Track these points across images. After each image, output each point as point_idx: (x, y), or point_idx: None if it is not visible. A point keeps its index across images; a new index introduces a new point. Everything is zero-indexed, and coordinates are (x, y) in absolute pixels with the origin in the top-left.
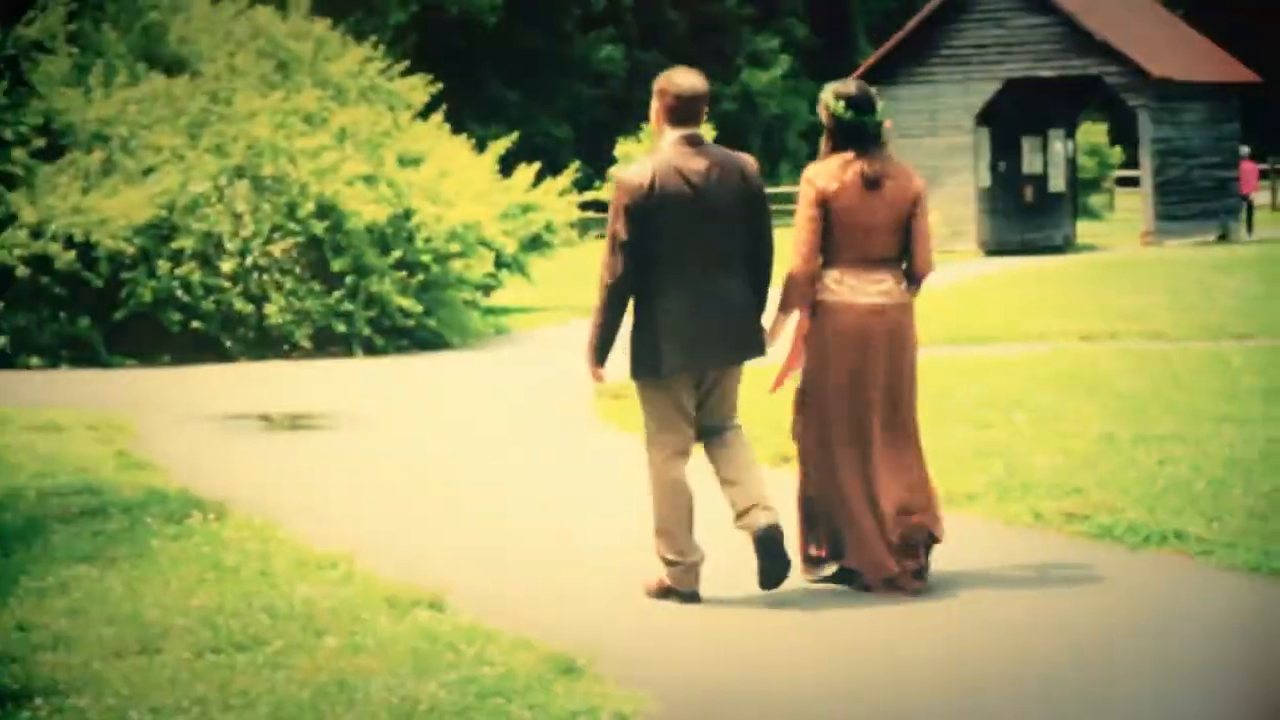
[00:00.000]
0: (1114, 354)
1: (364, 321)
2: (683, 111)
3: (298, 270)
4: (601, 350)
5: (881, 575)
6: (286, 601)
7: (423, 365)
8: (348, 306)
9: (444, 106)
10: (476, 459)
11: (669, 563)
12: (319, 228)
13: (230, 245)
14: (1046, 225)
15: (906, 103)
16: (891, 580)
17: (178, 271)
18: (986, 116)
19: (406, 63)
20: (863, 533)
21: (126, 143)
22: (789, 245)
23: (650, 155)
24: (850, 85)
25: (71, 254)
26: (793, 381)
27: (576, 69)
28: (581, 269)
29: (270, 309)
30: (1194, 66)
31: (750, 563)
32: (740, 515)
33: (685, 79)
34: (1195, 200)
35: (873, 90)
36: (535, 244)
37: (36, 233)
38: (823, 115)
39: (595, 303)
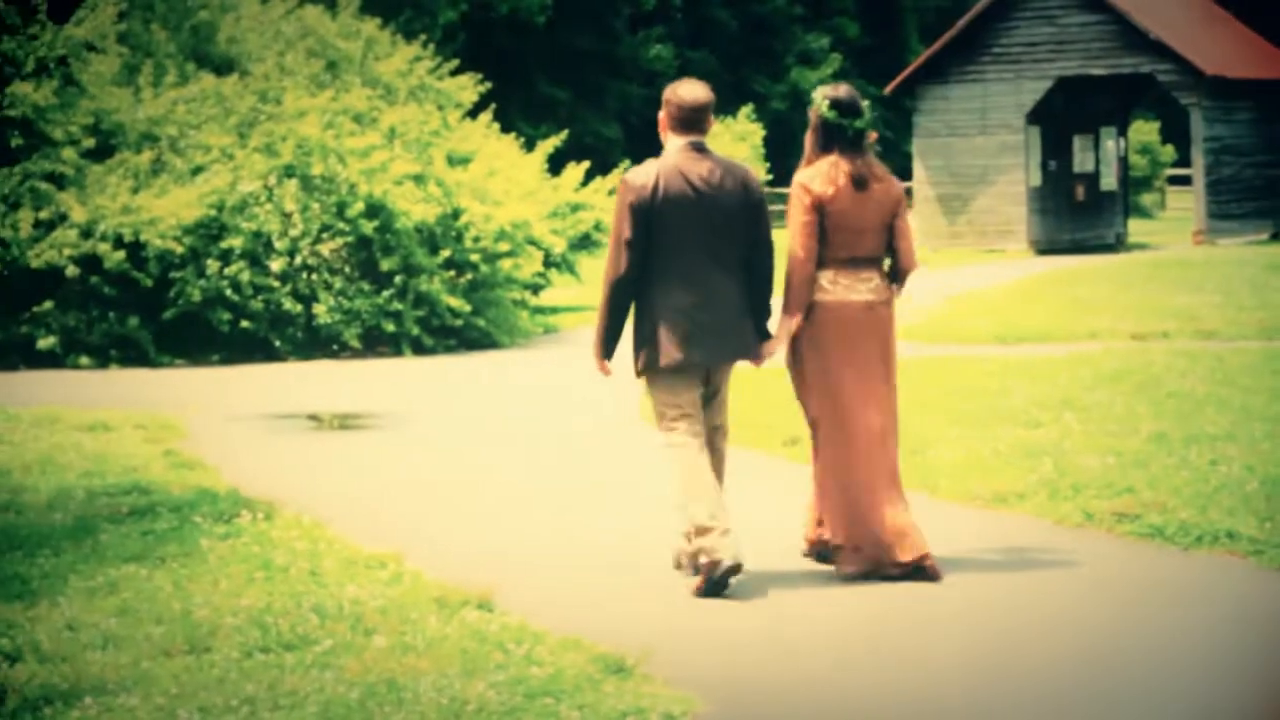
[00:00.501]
0: (1166, 353)
1: (413, 321)
2: (687, 120)
3: (347, 270)
4: (608, 345)
5: (888, 566)
6: (335, 601)
7: (471, 365)
8: (397, 306)
9: (493, 106)
10: (525, 458)
11: (702, 530)
12: (368, 227)
13: (279, 245)
14: (1098, 224)
15: (957, 101)
16: (919, 570)
17: (227, 271)
18: (1038, 115)
19: (456, 62)
20: (875, 523)
21: (176, 142)
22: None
23: (656, 160)
24: (840, 89)
25: (121, 254)
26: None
27: (626, 68)
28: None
29: (319, 309)
30: (1247, 64)
31: (804, 565)
32: (700, 535)
33: (690, 90)
34: (1248, 199)
35: (862, 98)
36: (584, 243)
37: (86, 232)
38: (811, 116)
39: (600, 299)
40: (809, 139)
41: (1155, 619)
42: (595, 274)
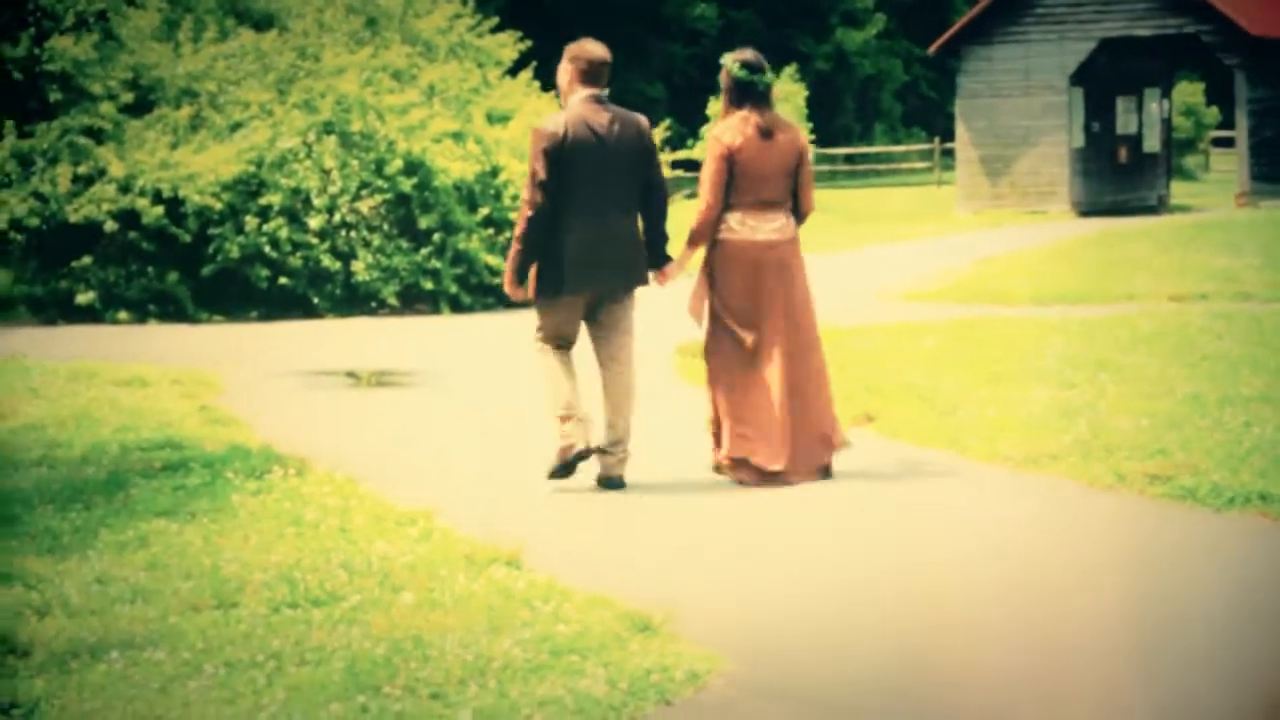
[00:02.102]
0: (1203, 315)
1: (451, 279)
2: (591, 75)
3: (385, 227)
4: (520, 273)
5: (774, 465)
6: (364, 558)
7: (509, 323)
8: (435, 264)
9: (534, 64)
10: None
11: (561, 419)
12: (407, 185)
13: (318, 202)
14: (1140, 186)
15: (1000, 62)
16: (781, 473)
17: (265, 228)
18: (1081, 76)
19: (496, 20)
20: (764, 429)
21: (215, 98)
22: (872, 201)
23: (563, 110)
24: (747, 52)
25: (160, 209)
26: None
27: (670, 28)
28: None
29: (357, 266)
30: None
31: (824, 523)
32: (607, 444)
33: (594, 48)
34: None
35: (763, 58)
36: None
37: (125, 188)
38: (723, 80)
39: (517, 231)
40: (723, 99)
41: (1187, 581)
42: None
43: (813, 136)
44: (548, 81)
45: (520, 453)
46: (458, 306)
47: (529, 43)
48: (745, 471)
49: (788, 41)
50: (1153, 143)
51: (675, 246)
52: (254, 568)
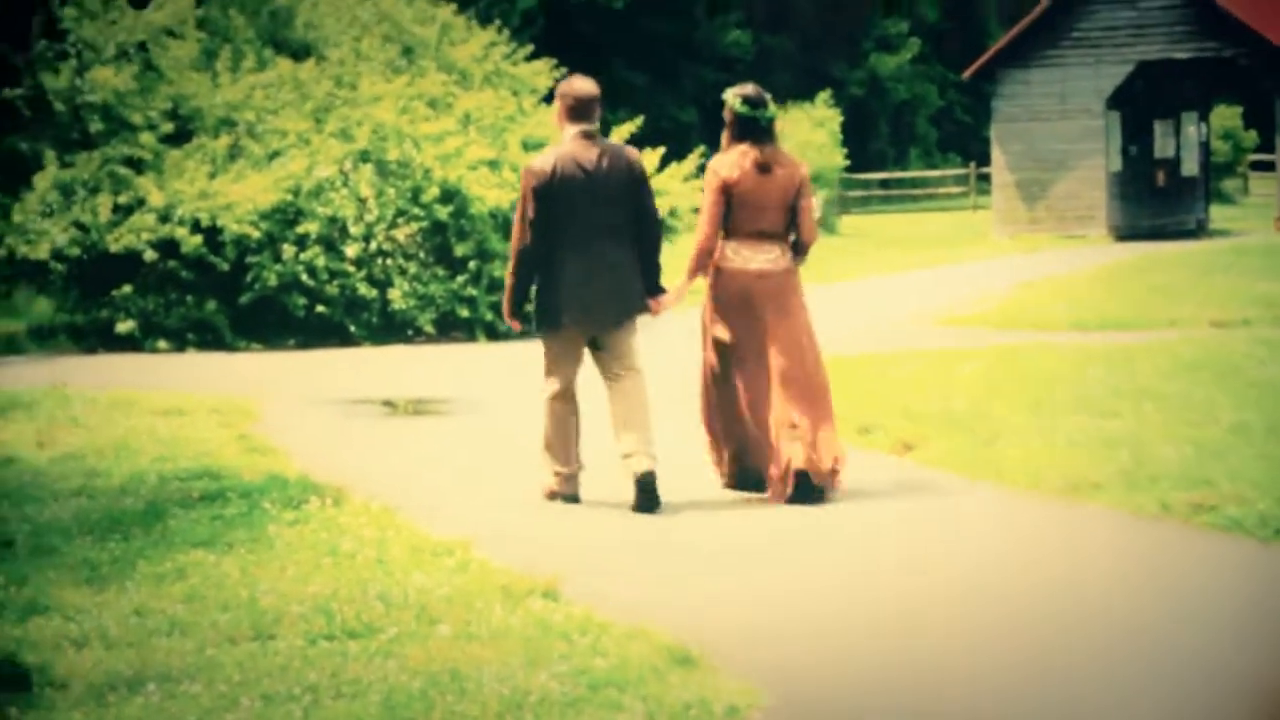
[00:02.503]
0: (1246, 341)
1: (486, 306)
2: (579, 111)
3: (421, 255)
4: (516, 305)
5: (772, 484)
6: (401, 589)
7: None
8: (471, 291)
9: None
10: (593, 446)
11: (555, 473)
12: (443, 212)
13: (354, 230)
14: (1179, 210)
15: (1037, 86)
16: (779, 492)
17: (303, 256)
18: (1118, 100)
19: (530, 47)
20: (760, 450)
21: (253, 127)
22: (908, 226)
23: (553, 147)
24: (748, 87)
25: (198, 238)
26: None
27: (703, 53)
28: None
29: (394, 294)
30: None
31: (861, 554)
32: (625, 456)
33: (582, 85)
34: None
35: (766, 93)
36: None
37: (164, 217)
38: (725, 114)
39: (509, 267)
40: (725, 132)
41: (1233, 613)
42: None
43: (847, 162)
44: None
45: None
46: (494, 334)
47: (563, 70)
48: (746, 489)
49: (822, 67)
50: (1191, 166)
51: (677, 276)
52: (291, 599)
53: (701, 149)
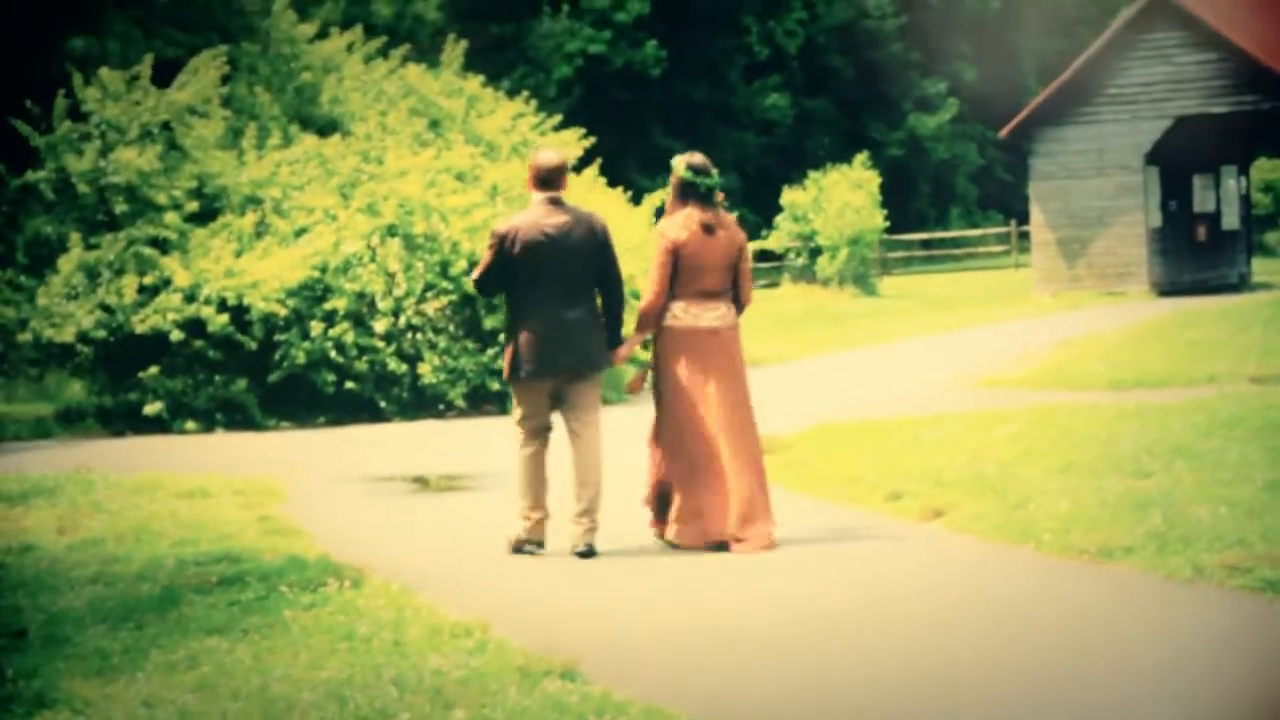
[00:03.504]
0: None
1: None
2: (544, 180)
3: (451, 329)
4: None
5: (721, 532)
6: (417, 673)
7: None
8: (501, 364)
9: (598, 160)
10: (620, 518)
11: (523, 515)
12: (471, 285)
13: (383, 305)
14: (1220, 264)
15: (1073, 144)
16: (724, 544)
17: (331, 332)
18: (1156, 155)
19: (559, 118)
20: (711, 499)
21: (279, 204)
22: (949, 286)
23: (521, 212)
24: (695, 156)
25: (225, 317)
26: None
27: (741, 118)
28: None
29: (424, 368)
30: None
31: (883, 622)
32: (577, 515)
33: (546, 157)
34: None
35: (710, 163)
36: None
37: (190, 297)
38: (672, 179)
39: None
40: (670, 196)
41: (1269, 679)
42: None
43: (886, 223)
44: (615, 176)
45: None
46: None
47: (592, 139)
48: (693, 537)
49: (861, 129)
50: (1232, 220)
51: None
52: (303, 686)
53: (740, 211)
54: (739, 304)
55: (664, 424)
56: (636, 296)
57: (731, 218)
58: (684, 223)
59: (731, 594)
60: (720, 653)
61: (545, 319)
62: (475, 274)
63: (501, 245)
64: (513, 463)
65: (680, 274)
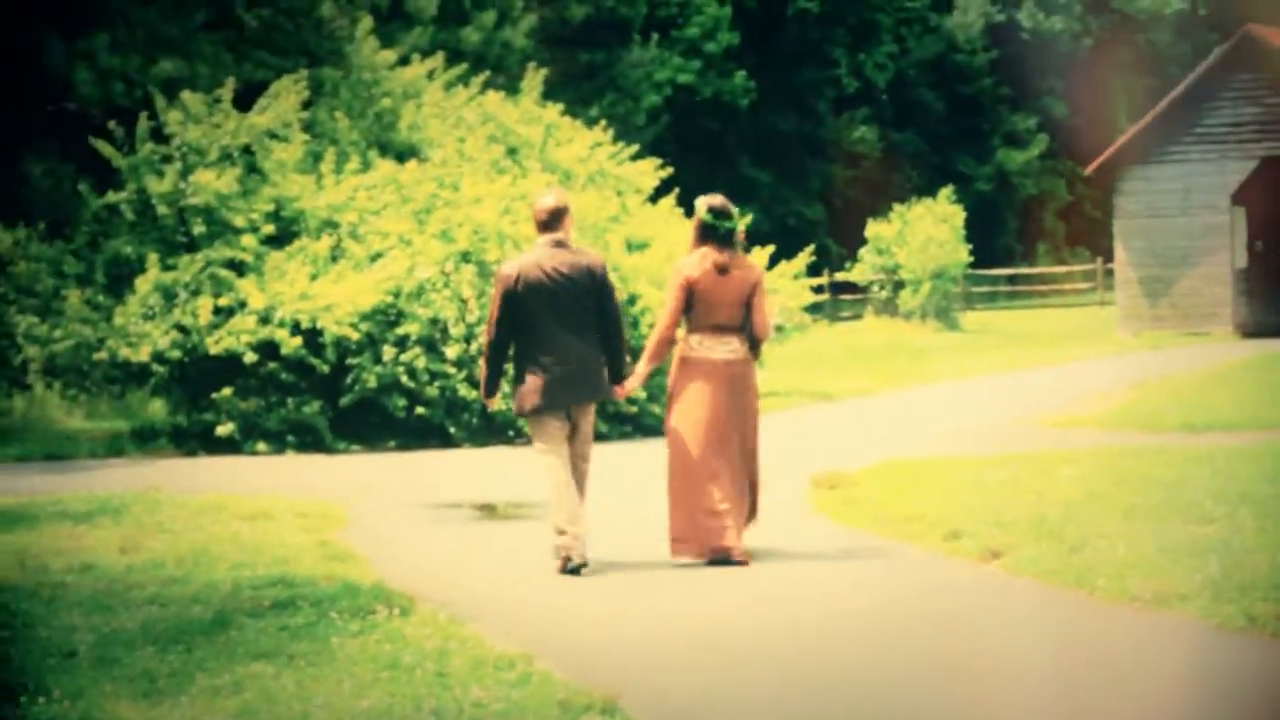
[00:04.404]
0: None
1: None
2: (546, 223)
3: None
4: (489, 390)
5: (726, 544)
6: (457, 704)
7: (644, 452)
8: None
9: (676, 190)
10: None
11: (560, 532)
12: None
13: (455, 331)
14: None
15: (1159, 182)
16: (724, 557)
17: (403, 357)
18: (1243, 195)
19: (635, 147)
20: (719, 514)
21: (355, 229)
22: (1033, 322)
23: (524, 253)
24: (716, 198)
25: (298, 340)
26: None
27: (829, 150)
28: (817, 353)
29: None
30: None
31: (948, 666)
32: (558, 534)
33: (546, 200)
34: None
35: (732, 205)
36: None
37: (265, 319)
38: (694, 220)
39: (482, 358)
40: (692, 234)
41: None
42: (779, 359)
43: (971, 258)
44: (694, 208)
45: (631, 587)
46: (594, 436)
47: (669, 170)
48: (696, 550)
49: (949, 163)
50: None
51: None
52: (344, 714)
53: (810, 248)
54: (754, 338)
55: (677, 447)
56: None
57: (748, 258)
58: (699, 261)
59: (775, 632)
60: (764, 693)
61: (549, 355)
62: (488, 323)
63: (512, 285)
64: (545, 485)
65: (695, 309)
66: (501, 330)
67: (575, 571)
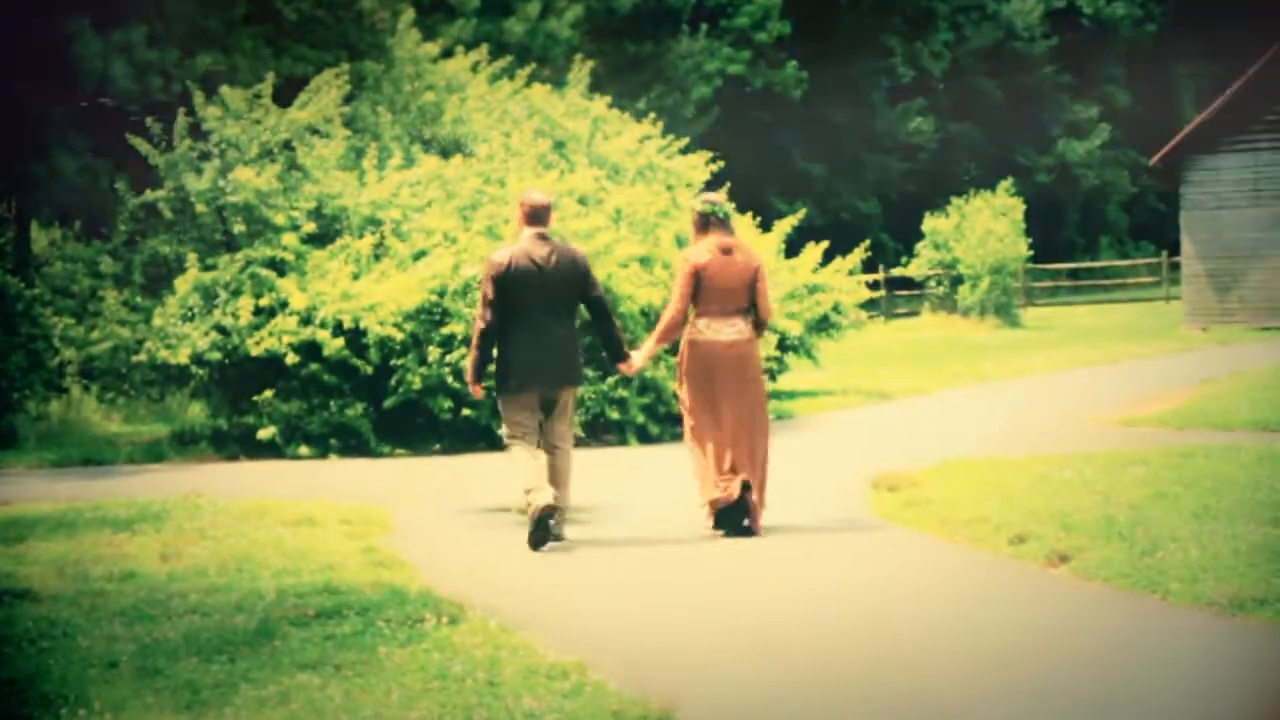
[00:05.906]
0: None
1: (638, 408)
2: (533, 216)
3: None
4: (477, 374)
5: (725, 503)
6: (509, 715)
7: None
8: (621, 393)
9: (728, 184)
10: (737, 554)
11: (526, 491)
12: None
13: None
14: None
15: (1227, 172)
16: (737, 517)
17: (448, 358)
18: None
19: (685, 140)
20: (735, 481)
21: (398, 226)
22: (1096, 318)
23: (513, 244)
24: (707, 194)
25: (341, 341)
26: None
27: (884, 142)
28: (874, 351)
29: None
30: None
31: (1006, 671)
32: (527, 492)
33: (535, 196)
34: None
35: (727, 201)
36: (822, 325)
37: (306, 319)
38: (691, 217)
39: (471, 342)
40: (691, 231)
41: None
42: (834, 358)
43: (1031, 252)
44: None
45: (687, 594)
46: (645, 437)
47: (721, 163)
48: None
49: (1008, 154)
50: None
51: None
52: None
53: (866, 243)
54: (759, 320)
55: (691, 423)
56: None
57: (748, 245)
58: (705, 247)
59: (836, 640)
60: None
61: (533, 337)
62: (478, 309)
63: (502, 273)
64: (512, 469)
65: (702, 294)
66: (493, 314)
67: (544, 522)
